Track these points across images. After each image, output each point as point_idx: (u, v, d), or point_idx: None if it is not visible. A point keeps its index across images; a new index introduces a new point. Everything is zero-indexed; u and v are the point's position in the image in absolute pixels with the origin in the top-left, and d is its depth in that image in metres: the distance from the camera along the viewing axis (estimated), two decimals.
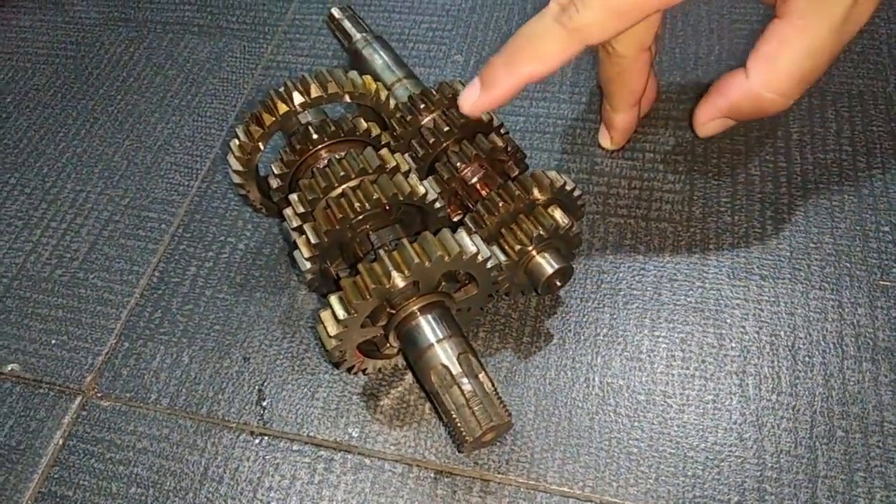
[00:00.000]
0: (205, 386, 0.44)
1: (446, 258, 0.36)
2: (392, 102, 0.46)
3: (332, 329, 0.36)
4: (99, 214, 0.53)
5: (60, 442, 0.43)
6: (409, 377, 0.43)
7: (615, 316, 0.44)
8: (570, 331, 0.44)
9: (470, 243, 0.37)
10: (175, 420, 0.43)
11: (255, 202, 0.46)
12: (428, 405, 0.42)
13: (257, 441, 0.42)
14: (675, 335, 0.43)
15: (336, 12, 0.55)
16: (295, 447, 0.42)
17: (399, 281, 0.35)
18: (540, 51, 0.39)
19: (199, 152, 0.55)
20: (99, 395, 0.45)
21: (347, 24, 0.54)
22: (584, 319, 0.44)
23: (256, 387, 0.44)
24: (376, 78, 0.51)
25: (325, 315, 0.37)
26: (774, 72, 0.40)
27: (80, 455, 0.43)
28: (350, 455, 0.41)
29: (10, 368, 0.46)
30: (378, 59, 0.52)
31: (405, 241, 0.36)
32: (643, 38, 0.42)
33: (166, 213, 0.52)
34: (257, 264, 0.49)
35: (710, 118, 0.45)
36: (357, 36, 0.53)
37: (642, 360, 0.43)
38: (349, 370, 0.40)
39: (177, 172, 0.54)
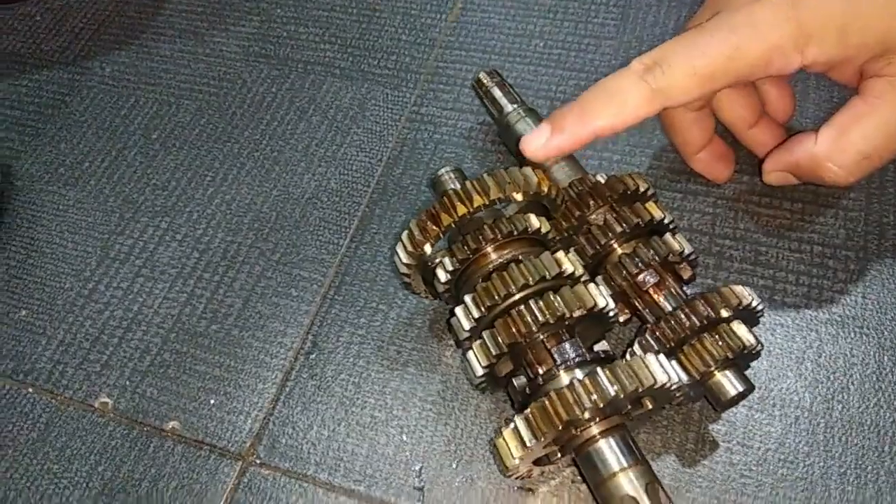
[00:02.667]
0: (362, 463, 0.45)
1: (640, 389, 0.35)
2: (554, 190, 0.45)
3: (517, 451, 0.36)
4: (251, 268, 0.54)
5: None
6: (565, 472, 0.43)
7: (785, 430, 0.43)
8: (736, 441, 0.43)
9: (663, 373, 0.36)
10: (335, 497, 0.44)
11: (415, 289, 0.46)
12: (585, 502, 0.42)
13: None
14: (850, 455, 0.42)
15: (484, 78, 0.54)
16: None
17: (591, 413, 0.35)
18: (618, 104, 0.40)
19: (346, 209, 0.55)
20: (258, 461, 0.46)
21: (497, 93, 0.53)
22: (753, 430, 0.43)
23: (413, 470, 0.45)
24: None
25: (509, 434, 0.37)
26: (841, 143, 0.40)
27: None
28: None
29: (171, 426, 0.48)
30: None
31: (600, 370, 0.36)
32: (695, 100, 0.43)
33: (317, 272, 0.53)
34: (409, 336, 0.49)
35: (774, 168, 0.46)
36: (508, 108, 0.52)
37: (815, 482, 0.42)
38: (516, 479, 0.41)
39: (325, 229, 0.55)
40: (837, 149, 0.41)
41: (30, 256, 0.56)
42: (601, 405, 0.35)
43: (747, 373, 0.41)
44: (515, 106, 0.52)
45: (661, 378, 0.36)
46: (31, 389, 0.51)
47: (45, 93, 0.66)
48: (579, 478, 0.43)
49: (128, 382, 0.50)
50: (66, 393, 0.50)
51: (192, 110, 0.63)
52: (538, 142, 0.42)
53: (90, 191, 0.59)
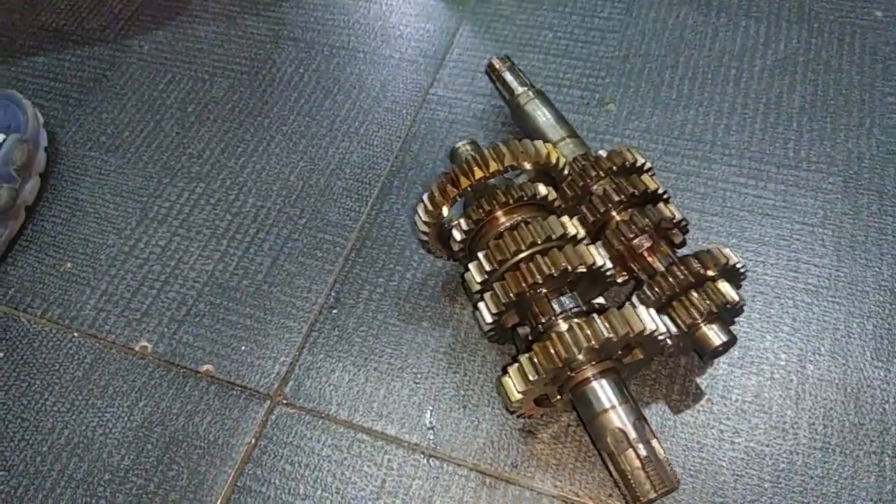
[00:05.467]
0: (379, 404, 0.50)
1: (631, 334, 0.40)
2: (561, 161, 0.50)
3: (521, 386, 0.41)
4: (279, 231, 0.58)
5: (252, 441, 0.50)
6: (563, 417, 0.48)
7: (761, 384, 0.48)
8: (717, 393, 0.48)
9: (651, 321, 0.41)
10: (354, 433, 0.49)
11: (431, 248, 0.51)
12: (580, 447, 0.47)
13: (426, 461, 0.48)
14: (819, 409, 0.47)
15: (496, 62, 0.59)
16: (461, 472, 0.47)
17: (588, 353, 0.40)
18: None
19: (367, 180, 0.60)
20: (284, 401, 0.51)
21: (509, 77, 0.58)
22: (732, 384, 0.48)
23: (425, 411, 0.49)
24: (540, 133, 0.54)
25: (514, 371, 0.42)
26: None
27: (271, 456, 0.49)
28: (512, 486, 0.46)
29: (205, 368, 0.53)
30: (541, 115, 0.55)
31: (596, 317, 0.40)
32: None
33: (340, 236, 0.58)
34: (423, 295, 0.54)
35: None
36: (519, 90, 0.57)
37: (786, 429, 0.46)
38: (519, 416, 0.45)
39: (348, 198, 0.59)
40: None
41: (74, 215, 0.61)
42: (596, 346, 0.40)
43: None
44: (525, 88, 0.57)
45: (650, 325, 0.41)
46: (76, 334, 0.55)
47: (87, 67, 0.71)
48: (574, 423, 0.48)
49: (166, 329, 0.55)
50: (108, 337, 0.55)
51: (224, 87, 0.68)
52: None
53: (130, 157, 0.64)
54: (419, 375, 0.51)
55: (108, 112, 0.67)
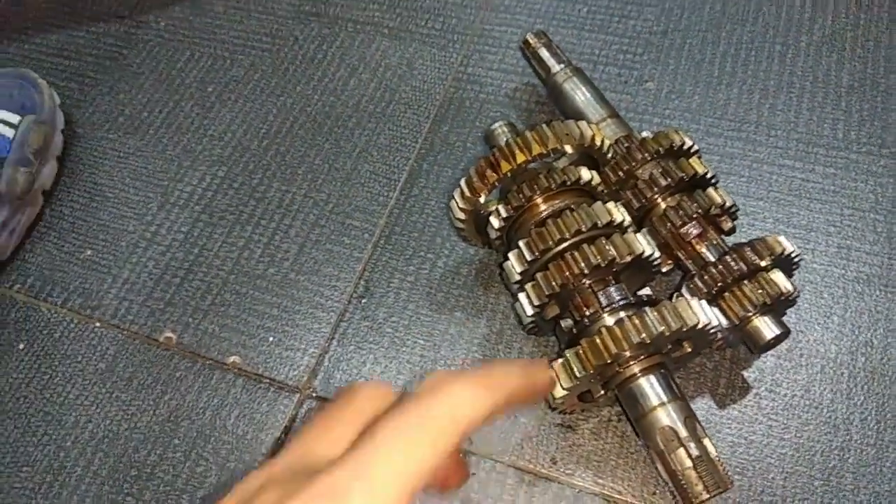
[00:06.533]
0: None
1: (684, 328, 0.38)
2: (606, 143, 0.47)
3: (566, 382, 0.39)
4: (305, 217, 0.56)
5: (282, 436, 0.48)
6: (604, 411, 0.47)
7: (811, 378, 0.46)
8: (765, 387, 0.46)
9: (704, 315, 0.39)
10: None
11: (466, 235, 0.49)
12: (622, 442, 0.45)
13: (462, 458, 0.46)
14: (871, 403, 0.45)
15: (531, 39, 0.56)
16: (499, 469, 0.45)
17: (637, 349, 0.38)
18: None
19: (395, 163, 0.58)
20: (314, 395, 0.50)
21: (545, 53, 0.55)
22: (780, 378, 0.46)
23: None
24: (579, 114, 0.52)
25: (559, 367, 0.40)
26: None
27: None
28: (551, 483, 0.45)
29: (232, 360, 0.51)
30: (580, 95, 0.53)
31: (647, 310, 0.38)
32: None
33: (368, 222, 0.56)
34: (456, 284, 0.52)
35: None
36: (556, 68, 0.54)
37: (837, 425, 0.45)
38: (560, 412, 0.44)
39: (376, 182, 0.57)
40: None
41: (93, 200, 0.59)
42: (647, 341, 0.38)
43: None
44: (562, 66, 0.54)
45: (704, 319, 0.39)
46: (98, 324, 0.54)
47: (103, 45, 0.68)
48: (615, 417, 0.46)
49: (190, 319, 0.53)
50: (131, 327, 0.53)
51: (245, 65, 0.65)
52: None
53: (149, 139, 0.62)
54: (453, 368, 0.49)
55: (126, 92, 0.65)
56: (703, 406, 0.46)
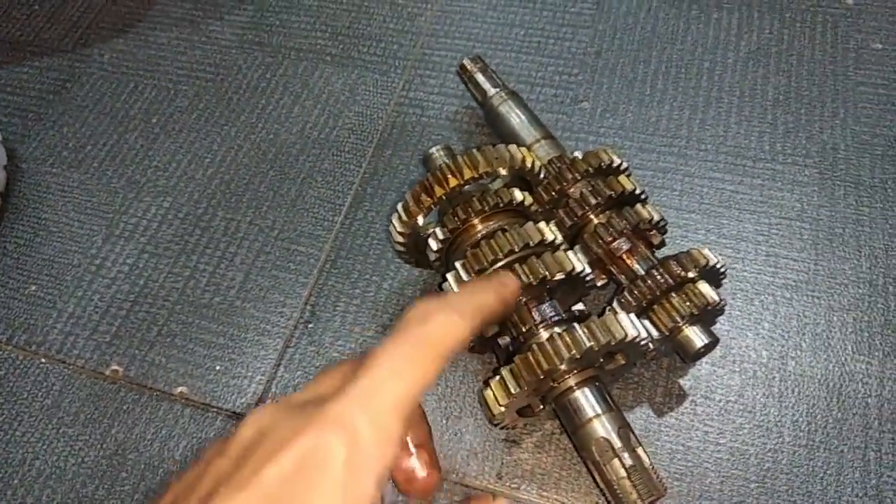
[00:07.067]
0: None
1: (613, 342, 0.39)
2: (537, 165, 0.49)
3: (503, 399, 0.40)
4: (251, 244, 0.57)
5: None
6: (547, 425, 0.48)
7: (744, 383, 0.48)
8: (700, 394, 0.48)
9: (633, 328, 0.40)
10: None
11: (407, 257, 0.50)
12: (564, 455, 0.46)
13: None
14: (802, 405, 0.47)
15: (468, 63, 0.57)
16: (445, 486, 0.46)
17: (569, 364, 0.39)
18: None
19: (340, 188, 0.59)
20: None
21: (480, 78, 0.57)
22: (715, 384, 0.48)
23: None
24: (514, 136, 0.53)
25: (496, 384, 0.41)
26: None
27: None
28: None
29: (179, 391, 0.51)
30: (514, 117, 0.54)
31: (577, 326, 0.40)
32: None
33: (314, 247, 0.56)
34: (401, 305, 0.53)
35: None
36: (492, 91, 0.56)
37: (770, 428, 0.46)
38: (502, 427, 0.45)
39: (321, 207, 0.58)
40: None
41: (37, 235, 0.59)
42: (578, 356, 0.39)
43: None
44: (497, 90, 0.55)
45: (632, 332, 0.40)
46: (43, 360, 0.54)
47: (46, 79, 0.68)
48: (558, 430, 0.47)
49: (137, 351, 0.53)
50: (77, 362, 0.53)
51: (189, 95, 0.66)
52: None
53: (94, 172, 0.62)
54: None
55: (70, 126, 0.65)
56: (641, 415, 0.47)
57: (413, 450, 0.33)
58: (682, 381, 0.48)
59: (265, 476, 0.26)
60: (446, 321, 0.30)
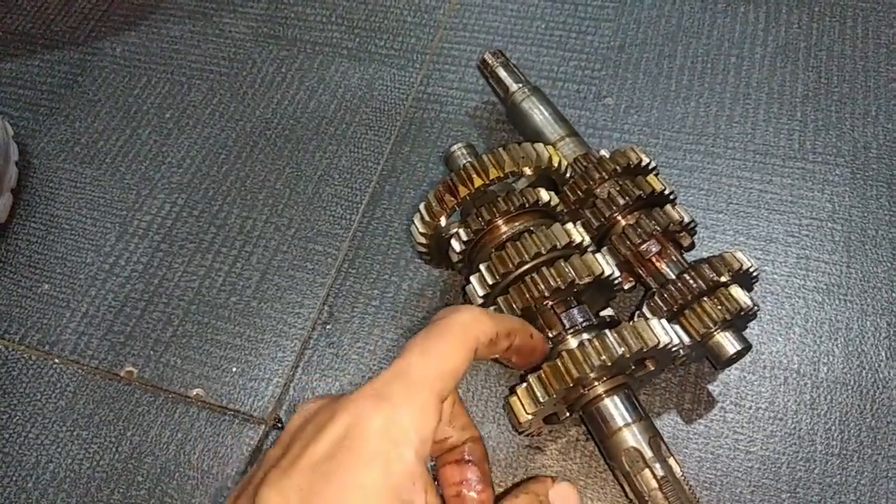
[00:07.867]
0: None
1: (645, 349, 0.38)
2: (564, 165, 0.47)
3: (530, 407, 0.39)
4: (267, 243, 0.56)
5: (248, 469, 0.47)
6: (571, 430, 0.46)
7: (775, 390, 0.46)
8: (730, 401, 0.46)
9: (665, 334, 0.39)
10: None
11: (429, 258, 0.48)
12: (590, 462, 0.45)
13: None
14: (835, 413, 0.45)
15: (489, 58, 0.56)
16: None
17: (599, 371, 0.38)
18: None
19: (357, 185, 0.58)
20: (280, 425, 0.49)
21: (502, 73, 0.55)
22: (745, 391, 0.46)
23: None
24: (537, 133, 0.52)
25: (522, 392, 0.40)
26: None
27: None
28: None
29: (195, 393, 0.50)
30: (538, 114, 0.53)
31: (607, 332, 0.38)
32: None
33: (331, 246, 0.55)
34: (421, 306, 0.52)
35: None
36: (514, 87, 0.54)
37: (802, 436, 0.45)
38: (527, 435, 0.43)
39: (338, 205, 0.57)
40: None
41: (50, 232, 0.58)
42: (609, 364, 0.38)
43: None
44: (520, 85, 0.54)
45: (664, 339, 0.39)
46: (57, 360, 0.53)
47: (58, 73, 0.67)
48: (583, 437, 0.46)
49: (152, 352, 0.52)
50: (91, 363, 0.52)
51: (203, 90, 0.64)
52: None
53: (106, 168, 0.61)
54: None
55: (82, 120, 0.64)
56: (669, 422, 0.46)
57: (469, 458, 0.35)
58: (710, 388, 0.47)
59: (310, 455, 0.28)
60: (473, 313, 0.33)
